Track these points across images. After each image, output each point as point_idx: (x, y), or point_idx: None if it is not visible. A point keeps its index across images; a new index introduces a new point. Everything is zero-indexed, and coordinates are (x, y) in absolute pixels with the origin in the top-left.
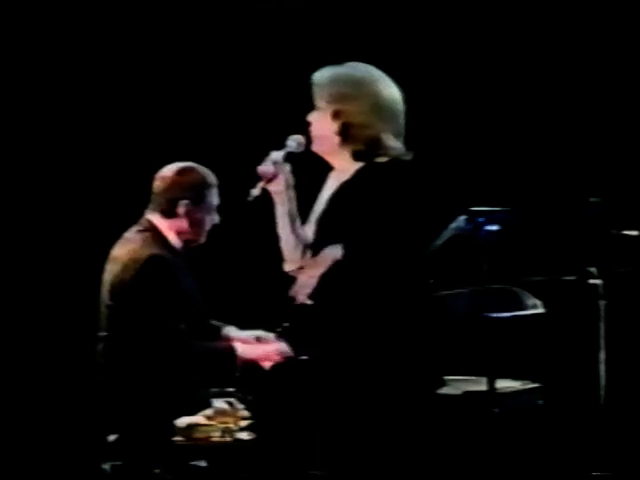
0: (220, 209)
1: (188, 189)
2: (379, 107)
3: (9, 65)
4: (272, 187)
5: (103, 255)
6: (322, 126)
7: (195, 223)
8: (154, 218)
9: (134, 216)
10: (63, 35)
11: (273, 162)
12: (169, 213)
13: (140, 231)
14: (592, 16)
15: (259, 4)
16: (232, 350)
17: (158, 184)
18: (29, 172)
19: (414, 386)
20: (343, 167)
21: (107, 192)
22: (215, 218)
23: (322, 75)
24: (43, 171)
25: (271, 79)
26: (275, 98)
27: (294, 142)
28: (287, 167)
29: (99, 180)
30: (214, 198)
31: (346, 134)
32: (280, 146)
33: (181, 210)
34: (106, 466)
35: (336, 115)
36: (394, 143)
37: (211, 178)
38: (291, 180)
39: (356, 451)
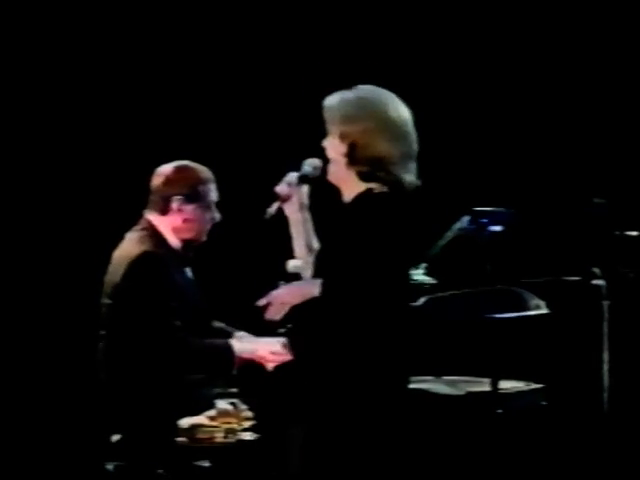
0: (225, 212)
1: (181, 185)
2: (385, 128)
3: (10, 66)
4: (286, 207)
5: (106, 255)
6: (332, 149)
7: (189, 220)
8: (152, 217)
9: (138, 216)
10: (64, 35)
11: (287, 183)
12: (164, 210)
13: (138, 230)
14: (592, 16)
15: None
16: (229, 347)
17: (154, 182)
18: (34, 173)
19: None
20: (350, 192)
21: (110, 193)
22: (215, 216)
23: (331, 99)
24: (46, 172)
25: (293, 98)
26: (297, 116)
27: (309, 166)
28: (304, 189)
29: (103, 181)
30: (210, 195)
31: (352, 155)
32: (299, 166)
33: (174, 206)
34: (109, 466)
35: (343, 136)
36: (399, 166)
37: (206, 174)
38: (306, 202)
39: (353, 458)
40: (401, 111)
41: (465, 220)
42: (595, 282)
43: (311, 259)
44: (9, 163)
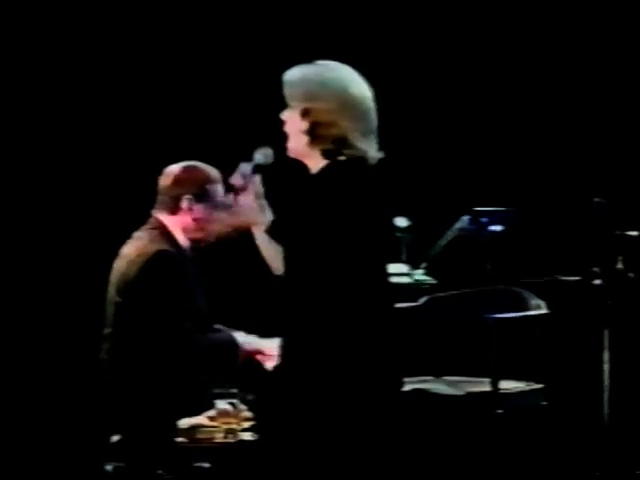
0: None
1: (191, 185)
2: (347, 106)
3: (12, 66)
4: (242, 198)
5: (111, 254)
6: (293, 125)
7: (199, 219)
8: (161, 216)
9: (143, 215)
10: (67, 36)
11: (242, 174)
12: (173, 210)
13: (149, 229)
14: (592, 16)
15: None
16: (233, 341)
17: (162, 182)
18: (38, 173)
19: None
20: (315, 166)
21: (116, 192)
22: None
23: (292, 74)
24: (52, 172)
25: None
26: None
27: (261, 155)
28: (256, 178)
29: (108, 180)
30: (219, 194)
31: (314, 133)
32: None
33: (184, 205)
34: (109, 467)
35: (304, 114)
36: (362, 142)
37: (215, 174)
38: (261, 191)
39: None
40: (362, 88)
41: (465, 220)
42: (595, 282)
43: (275, 249)
44: (18, 163)
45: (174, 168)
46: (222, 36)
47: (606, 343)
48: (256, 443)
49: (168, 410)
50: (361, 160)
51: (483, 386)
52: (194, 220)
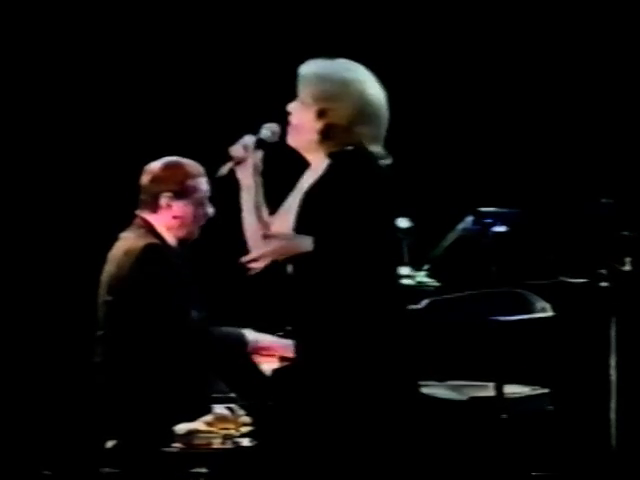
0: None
1: (169, 182)
2: (364, 110)
3: None
4: (239, 171)
5: (101, 255)
6: (304, 122)
7: (179, 216)
8: (146, 215)
9: (131, 216)
10: (50, 34)
11: (244, 146)
12: (154, 208)
13: (135, 229)
14: (596, 16)
15: None
16: (242, 337)
17: (143, 180)
18: (27, 174)
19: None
20: (319, 164)
21: (104, 193)
22: (209, 211)
23: (310, 70)
24: (40, 172)
25: (258, 70)
26: (261, 88)
27: (268, 130)
28: (258, 154)
29: (96, 180)
30: (200, 189)
31: (328, 134)
32: (256, 131)
33: (163, 203)
34: (104, 472)
35: (321, 114)
36: (373, 148)
37: (195, 169)
38: (260, 167)
39: (350, 462)
40: (378, 92)
41: (469, 220)
42: (602, 284)
43: (258, 228)
44: (7, 167)
45: (153, 165)
46: (212, 32)
47: (613, 346)
48: (255, 448)
49: (164, 415)
50: (364, 149)
51: (487, 391)
52: (174, 218)
